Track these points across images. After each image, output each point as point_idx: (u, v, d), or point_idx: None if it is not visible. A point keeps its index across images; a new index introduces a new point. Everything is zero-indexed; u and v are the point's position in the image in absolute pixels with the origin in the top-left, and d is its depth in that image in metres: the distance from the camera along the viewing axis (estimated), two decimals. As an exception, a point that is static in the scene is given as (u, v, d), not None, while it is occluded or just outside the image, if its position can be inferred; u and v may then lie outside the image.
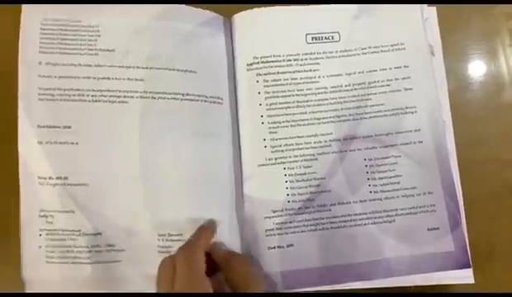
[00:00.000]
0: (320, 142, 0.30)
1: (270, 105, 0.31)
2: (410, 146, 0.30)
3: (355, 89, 0.31)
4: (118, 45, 0.31)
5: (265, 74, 0.31)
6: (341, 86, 0.31)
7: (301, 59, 0.32)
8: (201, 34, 0.32)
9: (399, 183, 0.30)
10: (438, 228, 0.29)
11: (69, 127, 0.29)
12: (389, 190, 0.30)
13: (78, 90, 0.30)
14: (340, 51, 0.32)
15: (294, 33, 0.32)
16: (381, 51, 0.32)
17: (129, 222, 0.29)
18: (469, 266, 0.28)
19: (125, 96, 0.30)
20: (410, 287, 0.29)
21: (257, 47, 0.32)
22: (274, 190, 0.30)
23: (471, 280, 0.29)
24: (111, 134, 0.30)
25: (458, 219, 0.29)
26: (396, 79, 0.31)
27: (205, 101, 0.31)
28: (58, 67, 0.30)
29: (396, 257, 0.29)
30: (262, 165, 0.30)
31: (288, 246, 0.29)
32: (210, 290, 0.23)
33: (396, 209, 0.29)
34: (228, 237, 0.29)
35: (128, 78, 0.30)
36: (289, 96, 0.31)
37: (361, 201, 0.30)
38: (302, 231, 0.29)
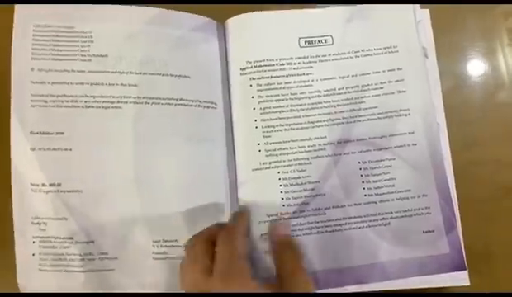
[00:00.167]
0: (314, 145, 0.30)
1: (264, 109, 0.31)
2: (405, 149, 0.30)
3: (348, 92, 0.31)
4: (111, 51, 0.30)
5: (258, 78, 0.31)
6: (334, 89, 0.31)
7: (294, 63, 0.32)
8: (195, 39, 0.32)
9: (393, 186, 0.30)
10: (433, 231, 0.29)
11: (62, 133, 0.29)
12: (384, 193, 0.30)
13: (70, 96, 0.30)
14: (333, 54, 0.32)
15: (287, 37, 0.32)
16: (375, 54, 0.32)
17: (123, 229, 0.29)
18: (464, 269, 0.28)
19: (118, 102, 0.30)
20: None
21: (250, 51, 0.32)
22: (269, 194, 0.30)
23: (467, 283, 0.29)
24: (104, 139, 0.30)
25: (453, 221, 0.29)
26: (390, 82, 0.31)
27: (199, 105, 0.31)
28: (50, 73, 0.30)
29: (391, 260, 0.29)
30: (256, 169, 0.30)
31: None
32: (249, 278, 0.23)
33: (391, 212, 0.29)
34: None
35: (121, 84, 0.30)
36: (282, 100, 0.31)
37: (356, 204, 0.30)
38: (297, 235, 0.29)
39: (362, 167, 0.30)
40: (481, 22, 0.35)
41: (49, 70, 0.30)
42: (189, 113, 0.30)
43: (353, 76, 0.32)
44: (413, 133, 0.31)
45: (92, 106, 0.30)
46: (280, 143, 0.30)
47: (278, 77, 0.31)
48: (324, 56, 0.32)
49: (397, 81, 0.31)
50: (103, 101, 0.30)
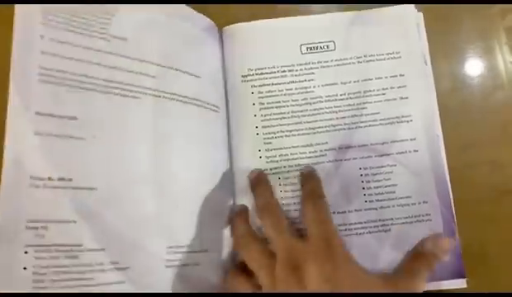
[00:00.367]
0: (315, 151, 0.31)
1: (265, 116, 0.31)
2: (406, 155, 0.30)
3: (350, 98, 0.31)
4: (131, 35, 0.28)
5: (260, 86, 0.32)
6: (336, 95, 0.31)
7: (296, 70, 0.32)
8: (205, 40, 0.32)
9: (394, 192, 0.30)
10: None
11: (75, 118, 0.25)
12: (384, 200, 0.30)
13: (86, 76, 0.25)
14: (335, 60, 0.32)
15: (288, 44, 0.32)
16: (377, 60, 0.32)
17: (135, 233, 0.26)
18: (464, 276, 0.28)
19: (137, 92, 0.27)
20: None
21: (251, 59, 0.32)
22: (269, 200, 0.30)
23: (464, 285, 0.29)
24: (121, 131, 0.26)
25: (453, 227, 0.29)
26: (392, 88, 0.31)
27: (205, 107, 0.30)
28: (65, 46, 0.25)
29: (392, 267, 0.29)
30: (257, 175, 0.30)
31: None
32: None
33: (392, 219, 0.30)
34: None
35: (141, 73, 0.27)
36: (283, 106, 0.31)
37: (356, 210, 0.30)
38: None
39: (363, 173, 0.30)
40: (476, 22, 0.35)
41: (63, 42, 0.25)
42: (200, 114, 0.30)
43: (354, 82, 0.32)
44: (414, 139, 0.30)
45: (110, 92, 0.26)
46: (281, 149, 0.31)
47: (280, 84, 0.32)
48: (326, 62, 0.32)
49: (400, 87, 0.31)
50: (122, 89, 0.27)
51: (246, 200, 0.30)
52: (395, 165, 0.30)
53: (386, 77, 0.31)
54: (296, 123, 0.31)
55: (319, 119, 0.31)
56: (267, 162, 0.30)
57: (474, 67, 0.34)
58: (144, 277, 0.25)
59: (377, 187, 0.30)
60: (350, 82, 0.32)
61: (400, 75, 0.31)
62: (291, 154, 0.31)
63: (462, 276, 0.28)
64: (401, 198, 0.30)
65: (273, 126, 0.31)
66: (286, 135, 0.31)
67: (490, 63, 0.34)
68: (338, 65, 0.32)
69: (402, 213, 0.29)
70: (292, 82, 0.32)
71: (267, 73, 0.32)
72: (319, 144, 0.31)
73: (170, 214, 0.27)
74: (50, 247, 0.23)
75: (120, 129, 0.26)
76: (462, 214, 0.30)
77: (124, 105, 0.26)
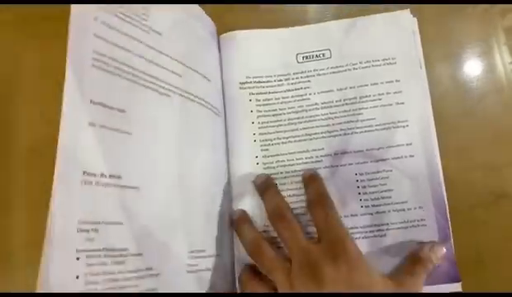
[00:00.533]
0: (312, 157, 0.31)
1: (262, 123, 0.32)
2: (402, 160, 0.31)
3: (346, 104, 0.32)
4: (164, 31, 0.27)
5: (257, 94, 0.32)
6: (332, 102, 0.32)
7: (292, 78, 0.33)
8: (211, 43, 0.33)
9: (390, 198, 0.30)
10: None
11: (124, 111, 0.23)
12: (380, 205, 0.30)
13: (132, 67, 0.24)
14: (331, 68, 0.33)
15: (285, 53, 0.33)
16: (372, 66, 0.32)
17: (166, 237, 0.24)
18: (459, 280, 0.28)
19: (169, 90, 0.26)
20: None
21: (249, 67, 0.33)
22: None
23: (459, 289, 0.29)
24: (156, 129, 0.25)
25: (448, 233, 0.29)
26: (388, 93, 0.32)
27: (213, 111, 0.31)
28: (114, 32, 0.24)
29: (387, 271, 0.29)
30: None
31: None
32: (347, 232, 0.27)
33: (387, 224, 0.30)
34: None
35: (172, 71, 0.27)
36: (280, 114, 0.32)
37: (352, 215, 0.30)
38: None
39: (359, 178, 0.31)
40: (474, 23, 0.35)
41: (113, 27, 0.23)
42: (211, 117, 0.30)
43: (350, 88, 0.32)
44: (410, 144, 0.31)
45: (150, 87, 0.25)
46: (278, 155, 0.31)
47: (277, 92, 0.32)
48: (322, 70, 0.33)
49: (395, 92, 0.32)
50: (157, 85, 0.26)
51: (243, 205, 0.31)
52: (391, 170, 0.31)
53: (381, 83, 0.32)
54: (293, 130, 0.32)
55: (315, 125, 0.32)
56: (264, 168, 0.31)
57: (471, 69, 0.34)
58: (171, 284, 0.24)
59: (373, 192, 0.30)
60: (346, 89, 0.32)
61: (396, 80, 0.32)
62: (287, 160, 0.31)
63: (457, 280, 0.28)
64: (397, 203, 0.30)
65: (270, 133, 0.32)
66: (282, 142, 0.32)
67: (489, 64, 0.34)
68: (334, 73, 0.33)
69: (397, 218, 0.30)
70: (289, 90, 0.32)
71: (264, 82, 0.33)
72: (315, 150, 0.31)
73: (191, 217, 0.27)
74: (100, 251, 0.21)
75: (155, 127, 0.25)
76: (457, 218, 0.30)
77: (158, 102, 0.25)
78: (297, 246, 0.26)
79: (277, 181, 0.31)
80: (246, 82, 0.33)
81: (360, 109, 0.32)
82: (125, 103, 0.23)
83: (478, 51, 0.35)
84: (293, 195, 0.31)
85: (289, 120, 0.32)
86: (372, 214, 0.30)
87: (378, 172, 0.31)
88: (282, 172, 0.31)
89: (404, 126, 0.31)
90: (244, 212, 0.30)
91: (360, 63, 0.32)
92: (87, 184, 0.21)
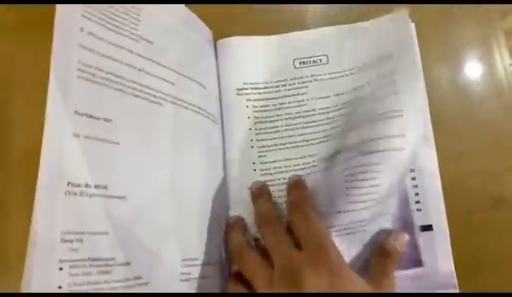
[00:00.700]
0: (309, 163, 0.31)
1: (259, 130, 0.32)
2: (392, 153, 0.29)
3: (344, 108, 0.32)
4: (156, 39, 0.27)
5: (254, 100, 0.32)
6: (329, 107, 0.32)
7: (289, 84, 0.33)
8: (207, 50, 0.33)
9: (377, 193, 0.29)
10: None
11: (110, 121, 0.23)
12: (367, 201, 0.29)
13: (119, 77, 0.24)
14: (328, 73, 0.33)
15: (282, 59, 0.33)
16: (370, 68, 0.32)
17: (156, 245, 0.25)
18: (455, 288, 0.28)
19: (160, 98, 0.27)
20: None
21: (246, 73, 0.33)
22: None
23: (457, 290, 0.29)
24: (147, 138, 0.25)
25: (409, 219, 0.30)
26: (381, 86, 0.31)
27: (209, 118, 0.31)
28: (101, 42, 0.24)
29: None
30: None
31: None
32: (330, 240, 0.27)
33: (369, 218, 0.29)
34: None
35: (163, 79, 0.27)
36: (277, 120, 0.32)
37: (337, 212, 0.29)
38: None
39: (348, 173, 0.30)
40: (473, 24, 0.34)
41: (99, 38, 0.24)
42: (206, 125, 0.30)
43: (347, 92, 0.32)
44: (404, 136, 0.29)
45: (139, 96, 0.25)
46: (275, 162, 0.31)
47: (274, 98, 0.32)
48: (320, 75, 0.33)
49: (389, 84, 0.30)
50: (148, 93, 0.26)
51: (240, 212, 0.31)
52: (380, 164, 0.29)
53: (378, 79, 0.31)
54: (290, 136, 0.32)
55: (312, 131, 0.32)
56: (261, 175, 0.31)
57: (470, 72, 0.34)
58: (162, 292, 0.24)
59: (361, 187, 0.29)
60: (343, 94, 0.32)
61: (390, 72, 0.30)
62: (285, 167, 0.31)
63: (453, 287, 0.29)
64: (382, 197, 0.29)
65: (268, 140, 0.32)
66: (280, 148, 0.32)
67: (489, 67, 0.34)
68: (331, 78, 0.33)
69: (378, 214, 0.29)
70: (286, 96, 0.32)
71: (261, 88, 0.33)
72: (312, 156, 0.31)
73: (184, 225, 0.27)
74: (84, 261, 0.21)
75: (146, 136, 0.25)
76: (455, 223, 0.30)
77: (149, 110, 0.26)
78: (280, 252, 0.27)
79: (274, 188, 0.31)
80: (243, 89, 0.33)
81: (355, 108, 0.31)
82: (113, 113, 0.24)
83: (478, 53, 0.34)
84: (290, 200, 0.31)
85: (286, 126, 0.32)
86: (355, 210, 0.29)
87: (366, 165, 0.29)
88: (279, 179, 0.31)
89: (398, 116, 0.29)
90: (238, 218, 0.31)
91: (357, 67, 0.32)
92: (71, 194, 0.21)
